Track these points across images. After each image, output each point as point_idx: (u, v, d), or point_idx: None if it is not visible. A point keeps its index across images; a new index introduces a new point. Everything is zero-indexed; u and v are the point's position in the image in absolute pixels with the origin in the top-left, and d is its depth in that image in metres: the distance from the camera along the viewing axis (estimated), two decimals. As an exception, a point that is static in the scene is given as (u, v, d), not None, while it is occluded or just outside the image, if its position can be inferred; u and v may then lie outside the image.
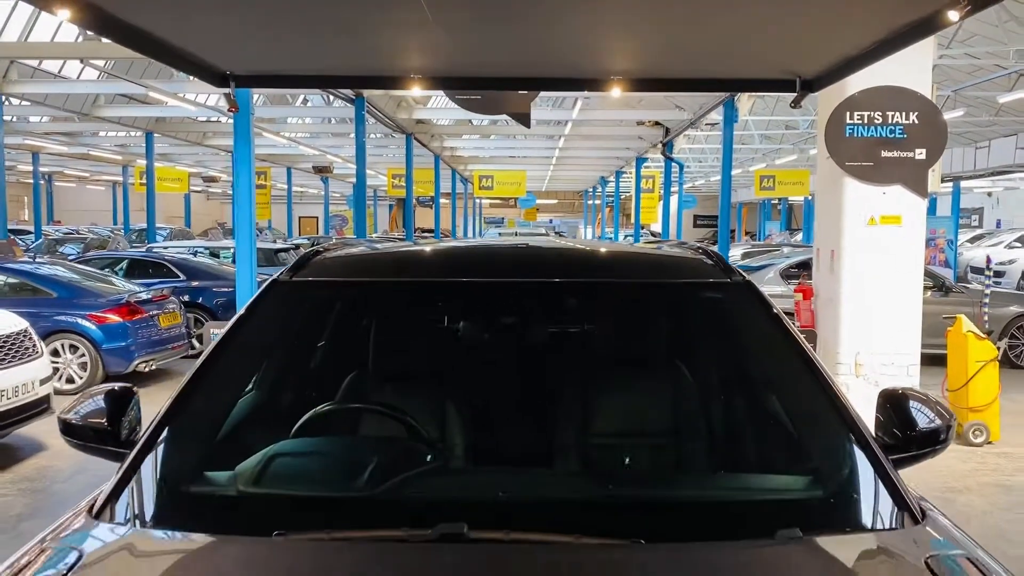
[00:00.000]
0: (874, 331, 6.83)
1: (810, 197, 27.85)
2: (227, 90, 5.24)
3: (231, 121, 19.36)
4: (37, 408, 6.28)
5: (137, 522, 1.68)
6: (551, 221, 46.62)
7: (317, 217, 47.71)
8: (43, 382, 6.36)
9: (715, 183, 28.32)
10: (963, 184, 27.15)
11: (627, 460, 2.02)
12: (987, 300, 8.65)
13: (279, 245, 16.64)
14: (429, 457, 1.96)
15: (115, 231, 29.01)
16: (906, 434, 1.92)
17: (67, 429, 2.01)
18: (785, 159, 26.71)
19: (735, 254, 16.94)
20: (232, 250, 14.91)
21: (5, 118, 14.09)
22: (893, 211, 6.82)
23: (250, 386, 2.25)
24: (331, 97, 16.61)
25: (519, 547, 1.54)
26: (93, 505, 1.72)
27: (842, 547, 1.59)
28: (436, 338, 2.45)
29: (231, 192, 30.80)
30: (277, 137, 20.60)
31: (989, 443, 6.80)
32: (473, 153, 28.23)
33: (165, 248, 15.11)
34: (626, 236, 32.14)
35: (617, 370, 2.35)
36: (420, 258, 2.71)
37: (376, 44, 4.59)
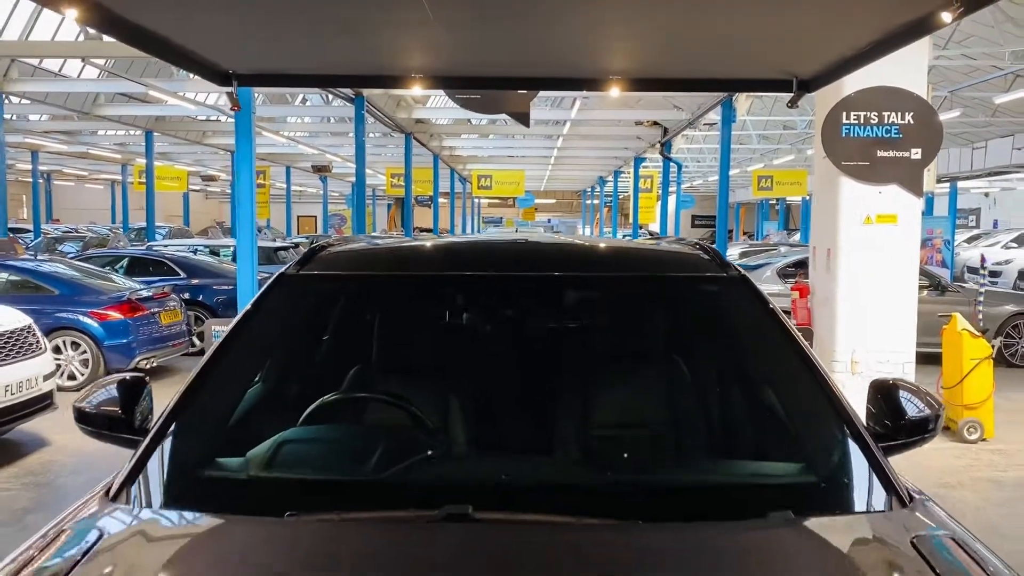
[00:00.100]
0: (870, 329, 6.90)
1: (808, 197, 27.90)
2: (229, 89, 5.31)
3: (231, 120, 19.41)
4: (40, 404, 6.34)
5: (153, 504, 1.74)
6: (549, 221, 46.67)
7: (315, 216, 47.74)
8: (46, 378, 6.41)
9: (713, 183, 28.40)
10: (960, 185, 27.24)
11: (626, 447, 2.08)
12: (981, 299, 8.72)
13: (278, 243, 16.68)
14: (434, 444, 2.02)
15: (114, 230, 29.04)
16: (896, 423, 1.98)
17: (81, 417, 2.07)
18: (783, 159, 26.78)
19: (733, 253, 17.02)
20: (232, 248, 15.00)
21: (5, 117, 14.11)
22: (889, 210, 6.89)
23: (259, 376, 2.31)
24: (330, 96, 16.67)
25: (522, 527, 1.60)
26: (109, 489, 1.78)
27: (832, 528, 1.65)
28: (439, 330, 2.52)
29: (230, 191, 30.85)
30: (276, 136, 20.65)
31: (983, 440, 6.87)
32: (472, 152, 28.29)
33: (165, 246, 15.14)
34: (624, 236, 32.18)
35: (615, 361, 2.42)
36: (423, 252, 2.78)
37: (377, 43, 4.65)
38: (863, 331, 6.90)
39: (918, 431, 1.97)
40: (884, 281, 6.92)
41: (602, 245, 2.96)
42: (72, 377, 8.61)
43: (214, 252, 14.84)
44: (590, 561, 1.49)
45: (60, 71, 15.77)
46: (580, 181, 42.29)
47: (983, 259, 9.16)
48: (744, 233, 43.41)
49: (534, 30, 4.18)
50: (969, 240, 24.93)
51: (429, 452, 1.95)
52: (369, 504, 1.72)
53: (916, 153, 6.79)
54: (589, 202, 45.90)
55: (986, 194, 36.67)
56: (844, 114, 6.77)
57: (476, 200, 43.53)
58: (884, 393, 2.06)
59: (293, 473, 1.90)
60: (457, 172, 30.93)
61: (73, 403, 2.15)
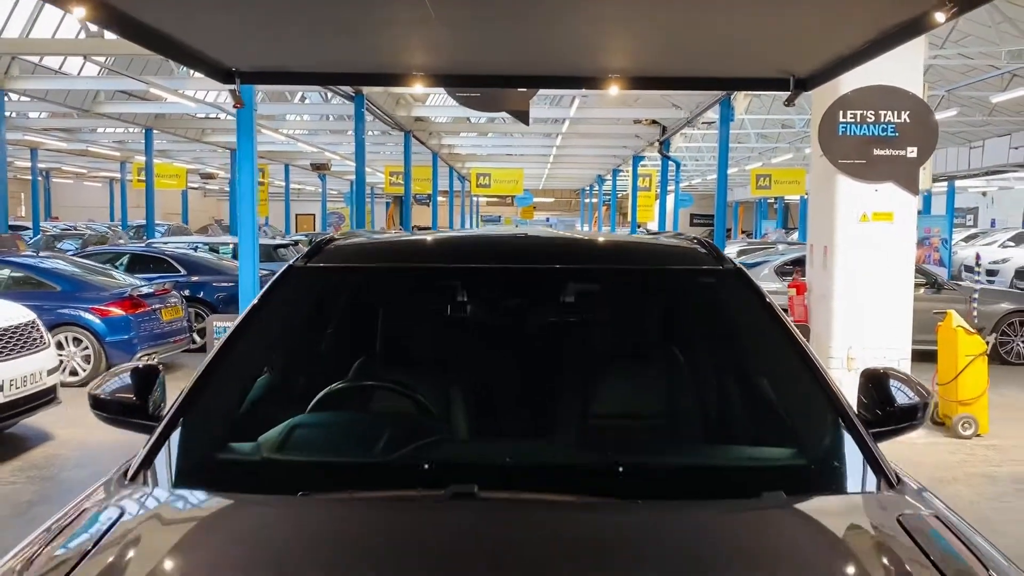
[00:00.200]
0: (866, 326, 6.97)
1: (806, 196, 27.98)
2: (232, 86, 5.36)
3: (230, 118, 19.46)
4: (44, 398, 6.39)
5: (170, 485, 1.81)
6: (548, 219, 46.73)
7: (314, 214, 47.78)
8: (50, 373, 6.47)
9: (712, 182, 28.47)
10: (958, 184, 27.35)
11: (624, 431, 2.14)
12: (976, 296, 8.79)
13: (278, 241, 16.75)
14: (439, 429, 2.09)
15: (112, 227, 29.09)
16: (885, 410, 2.05)
17: (97, 404, 2.13)
18: (781, 158, 26.85)
19: (731, 252, 17.09)
20: (231, 246, 15.05)
21: (5, 114, 14.15)
22: (885, 208, 6.96)
23: (269, 365, 2.37)
24: (329, 94, 16.72)
25: (525, 505, 1.67)
26: (127, 471, 1.84)
27: (822, 507, 1.72)
28: (444, 320, 2.59)
29: (228, 189, 30.90)
30: (276, 134, 20.69)
31: (978, 435, 6.94)
32: (471, 151, 28.35)
33: (165, 243, 15.20)
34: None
35: (614, 351, 2.50)
36: (427, 246, 2.85)
37: (378, 41, 4.71)
38: (859, 328, 6.97)
39: (907, 418, 2.04)
40: (880, 278, 6.99)
41: (601, 239, 3.04)
42: (74, 373, 8.66)
43: (213, 249, 14.89)
44: (591, 536, 1.55)
45: (60, 68, 15.82)
46: (579, 180, 42.35)
47: (978, 257, 9.26)
48: (742, 232, 43.50)
49: (534, 29, 4.23)
50: (966, 239, 25.01)
51: (436, 435, 2.02)
52: (378, 484, 1.79)
53: (912, 151, 6.86)
54: (588, 201, 45.96)
55: (984, 193, 36.77)
56: (841, 113, 6.84)
57: (475, 198, 43.59)
58: (875, 381, 2.13)
59: (304, 456, 1.97)
60: (456, 170, 30.99)
61: (88, 390, 2.21)
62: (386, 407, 2.21)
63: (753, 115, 21.77)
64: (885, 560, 1.51)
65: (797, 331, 2.21)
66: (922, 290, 10.30)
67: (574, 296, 2.48)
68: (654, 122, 19.17)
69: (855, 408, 2.07)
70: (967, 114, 18.64)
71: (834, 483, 1.88)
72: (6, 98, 14.24)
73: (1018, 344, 10.60)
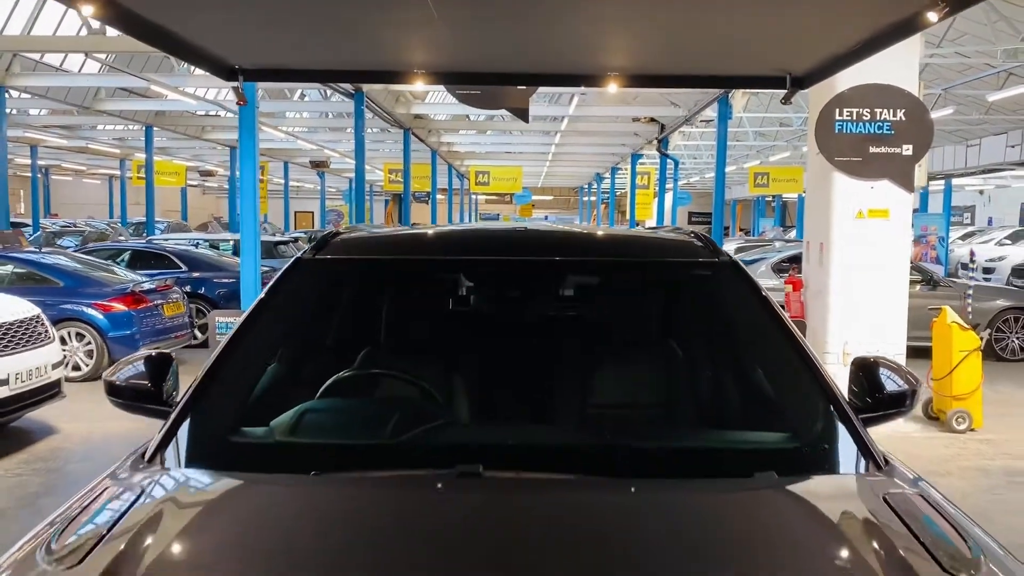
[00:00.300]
0: (861, 322, 7.05)
1: (804, 194, 28.06)
2: (235, 84, 5.43)
3: (230, 115, 19.51)
4: (49, 392, 6.46)
5: (187, 465, 1.88)
6: (546, 217, 46.82)
7: (312, 212, 47.84)
8: (55, 367, 6.54)
9: (710, 180, 28.55)
10: (955, 182, 27.43)
11: (622, 415, 2.22)
12: (970, 292, 8.87)
13: (278, 238, 16.83)
14: (445, 414, 2.17)
15: (112, 224, 29.14)
16: (875, 397, 2.13)
17: (112, 390, 2.20)
18: (779, 156, 26.93)
19: (728, 249, 17.12)
20: (231, 242, 15.13)
21: (5, 111, 14.20)
22: (881, 205, 7.04)
23: (278, 354, 2.45)
24: (329, 92, 16.78)
25: (528, 484, 1.75)
26: (144, 453, 1.92)
27: (812, 485, 1.81)
28: (447, 309, 2.67)
29: (227, 187, 30.92)
30: (275, 132, 20.75)
31: (972, 430, 7.02)
32: (470, 148, 28.41)
33: (166, 240, 15.27)
34: (621, 232, 32.24)
35: (613, 339, 2.58)
36: (431, 238, 2.93)
37: (381, 40, 4.77)
38: (855, 323, 7.05)
39: (896, 404, 2.12)
40: (876, 274, 7.07)
41: (600, 232, 3.12)
42: (77, 368, 8.72)
43: (214, 246, 14.96)
44: (591, 512, 1.63)
45: (61, 66, 15.87)
46: (577, 178, 42.42)
47: (972, 254, 9.32)
48: (740, 230, 43.60)
49: (534, 27, 4.30)
50: (963, 237, 25.13)
51: (442, 419, 2.10)
52: (388, 465, 1.87)
53: (907, 149, 6.93)
54: (586, 199, 46.03)
55: (981, 191, 36.88)
56: (837, 111, 6.91)
57: (474, 196, 43.66)
58: (865, 369, 2.20)
59: (315, 438, 2.05)
60: (455, 168, 31.05)
61: (103, 377, 2.28)
62: (393, 393, 2.29)
63: (751, 113, 21.85)
64: (870, 533, 1.59)
65: (790, 321, 2.29)
66: (918, 287, 10.39)
67: (573, 287, 2.55)
68: (652, 120, 19.25)
69: (846, 395, 2.14)
70: (964, 113, 18.72)
71: (824, 464, 1.96)
72: (7, 95, 14.29)
73: (1013, 340, 10.68)
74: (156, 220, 24.17)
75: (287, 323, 2.50)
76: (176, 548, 1.51)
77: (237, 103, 6.60)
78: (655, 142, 20.22)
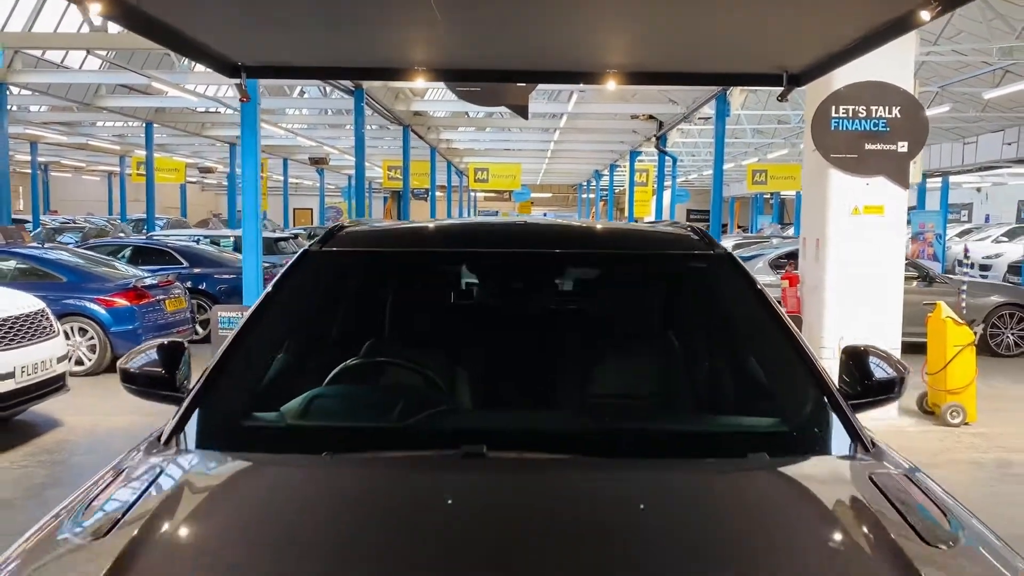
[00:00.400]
0: (857, 317, 7.12)
1: (801, 191, 28.13)
2: (238, 80, 5.49)
3: (229, 112, 19.54)
4: (54, 385, 6.53)
5: (203, 447, 1.96)
6: (545, 215, 46.89)
7: (311, 208, 47.90)
8: (59, 360, 6.60)
9: (708, 177, 28.62)
10: (953, 180, 27.52)
11: (620, 400, 2.30)
12: (965, 288, 8.95)
13: (278, 234, 16.90)
14: (450, 399, 2.25)
15: (111, 221, 29.18)
16: (864, 384, 2.21)
17: (127, 377, 2.27)
18: (777, 153, 27.02)
19: (726, 246, 17.21)
20: (231, 239, 15.21)
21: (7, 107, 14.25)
22: (876, 201, 7.11)
23: (287, 343, 2.52)
24: (328, 88, 16.82)
25: (529, 463, 1.84)
26: (160, 436, 1.99)
27: (801, 465, 1.89)
28: (451, 300, 2.75)
29: (226, 183, 30.96)
30: (275, 128, 20.81)
31: (966, 424, 7.10)
32: (468, 145, 28.47)
33: (166, 236, 15.34)
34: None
35: (611, 329, 2.66)
36: (434, 232, 3.01)
37: (382, 37, 4.84)
38: (850, 318, 7.12)
39: (884, 391, 2.20)
40: (871, 270, 7.15)
41: (599, 226, 3.21)
42: (80, 362, 8.79)
43: (214, 242, 15.04)
44: (589, 489, 1.71)
45: (62, 62, 15.91)
46: (576, 175, 42.49)
47: (966, 250, 9.44)
48: (739, 227, 43.70)
49: (534, 24, 4.37)
50: (960, 234, 25.21)
51: (447, 404, 2.18)
52: (396, 446, 1.95)
53: (903, 146, 7.01)
54: (585, 196, 46.10)
55: (978, 189, 36.99)
56: (833, 108, 6.99)
57: (472, 193, 43.72)
58: (855, 358, 2.28)
59: (325, 422, 2.13)
60: (454, 165, 31.11)
61: (118, 365, 2.35)
62: (399, 381, 2.37)
63: (749, 111, 21.92)
64: (855, 508, 1.67)
65: (784, 312, 2.37)
66: (915, 283, 10.48)
67: (573, 278, 2.63)
68: (651, 117, 19.32)
69: (836, 382, 2.22)
70: (961, 110, 18.80)
71: (814, 447, 2.03)
72: (8, 92, 14.34)
73: (1008, 336, 10.77)
74: (156, 216, 24.22)
75: (295, 313, 2.58)
76: (197, 521, 1.59)
77: (240, 100, 6.67)
78: (654, 139, 20.30)
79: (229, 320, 7.86)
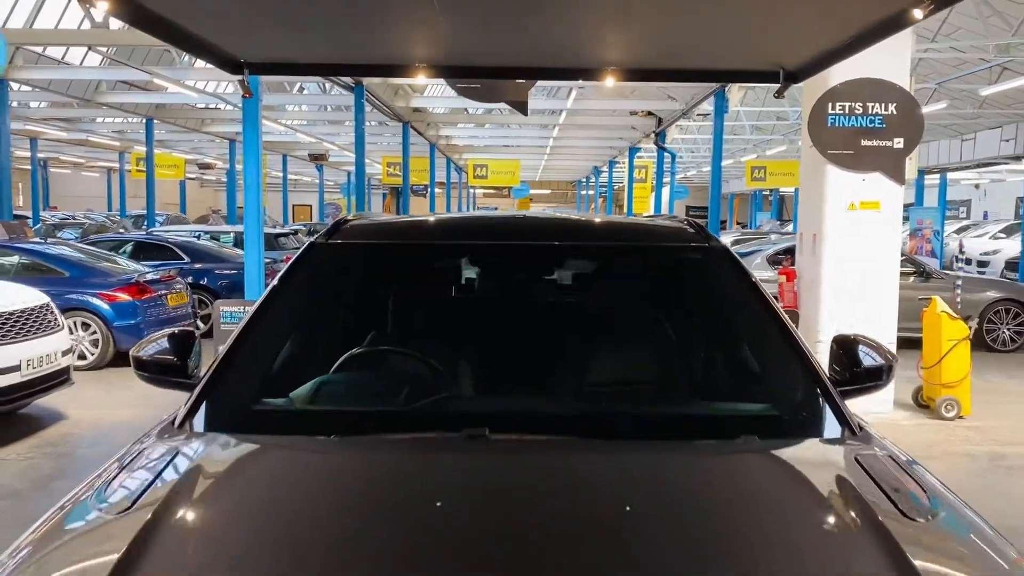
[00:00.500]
0: (853, 311, 7.20)
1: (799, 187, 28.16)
2: (240, 77, 5.56)
3: (230, 108, 19.58)
4: (58, 378, 6.61)
5: (217, 431, 2.03)
6: (543, 211, 46.87)
7: (311, 205, 47.95)
8: (64, 354, 6.68)
9: (707, 174, 28.70)
10: (951, 176, 27.55)
11: (617, 386, 2.38)
12: (959, 284, 9.02)
13: (279, 230, 16.98)
14: (453, 385, 2.33)
15: (110, 217, 29.23)
16: (853, 371, 2.28)
17: (139, 365, 2.34)
18: (776, 150, 27.07)
19: (725, 242, 17.29)
20: (231, 234, 15.29)
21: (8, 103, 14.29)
22: (872, 197, 7.19)
23: (294, 332, 2.60)
24: (328, 85, 16.87)
25: (529, 444, 1.92)
26: (173, 421, 2.07)
27: (789, 446, 1.97)
28: (453, 290, 2.83)
29: (225, 179, 31.01)
30: (275, 124, 20.85)
31: (960, 417, 7.19)
32: (468, 142, 28.52)
33: (166, 231, 15.41)
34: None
35: (609, 318, 2.74)
36: (436, 225, 3.09)
37: (383, 34, 4.91)
38: (846, 313, 7.20)
39: (872, 378, 2.28)
40: (867, 265, 7.22)
41: (598, 220, 3.29)
42: (83, 357, 8.86)
43: (215, 238, 15.11)
44: (586, 468, 1.79)
45: (63, 59, 15.96)
46: (575, 171, 42.54)
47: (961, 245, 9.54)
48: (738, 223, 43.78)
49: (534, 22, 4.43)
50: (958, 231, 25.30)
51: (449, 392, 2.26)
52: (401, 430, 2.03)
53: (898, 142, 7.09)
54: (584, 192, 46.15)
55: (976, 186, 37.07)
56: (830, 104, 7.06)
57: (472, 190, 43.78)
58: (845, 346, 2.36)
59: (333, 406, 2.21)
60: (453, 161, 31.16)
61: (131, 353, 2.42)
62: (403, 368, 2.45)
63: (748, 107, 21.97)
64: (839, 484, 1.75)
65: (775, 302, 2.44)
66: (911, 279, 10.57)
67: (572, 270, 2.71)
68: (650, 114, 19.37)
69: (826, 370, 2.30)
70: (958, 107, 18.87)
71: (803, 430, 2.11)
72: (9, 88, 14.38)
73: (1004, 331, 10.86)
74: (155, 213, 24.28)
75: (302, 304, 2.65)
76: (215, 497, 1.67)
77: (243, 96, 6.73)
78: (652, 136, 20.34)
79: (231, 314, 7.93)
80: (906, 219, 19.31)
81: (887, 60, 6.90)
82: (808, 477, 1.84)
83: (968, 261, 20.94)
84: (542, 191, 54.03)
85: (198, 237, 13.83)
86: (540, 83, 16.01)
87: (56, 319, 6.74)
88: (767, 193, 39.97)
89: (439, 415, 2.11)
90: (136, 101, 18.69)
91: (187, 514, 1.57)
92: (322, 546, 1.45)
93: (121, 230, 21.32)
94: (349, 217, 2.91)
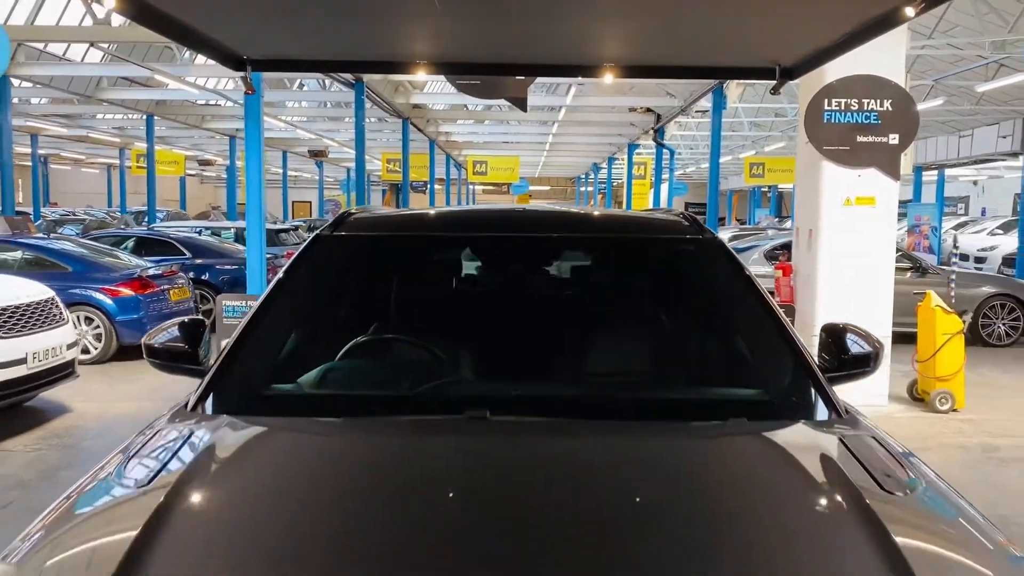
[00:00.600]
0: (848, 305, 7.27)
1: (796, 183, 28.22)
2: (243, 73, 5.63)
3: (230, 104, 19.62)
4: (63, 372, 6.69)
5: (229, 413, 2.11)
6: (543, 205, 46.92)
7: (310, 202, 48.00)
8: (69, 347, 6.76)
9: (706, 170, 28.78)
10: (949, 173, 27.66)
11: (614, 372, 2.46)
12: (953, 278, 9.11)
13: (279, 226, 17.06)
14: (455, 371, 2.42)
15: (111, 213, 29.29)
16: (841, 358, 2.37)
17: (151, 352, 2.42)
18: (774, 146, 27.13)
19: (723, 237, 17.38)
20: (232, 230, 15.37)
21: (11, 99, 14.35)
22: (868, 193, 7.27)
23: (301, 321, 2.68)
24: (328, 81, 16.94)
25: (527, 426, 2.01)
26: (186, 405, 2.15)
27: (778, 428, 2.05)
28: (453, 282, 2.92)
29: (225, 176, 31.05)
30: (275, 121, 20.91)
31: (954, 410, 7.28)
32: (467, 138, 28.58)
33: (167, 227, 15.49)
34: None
35: (606, 306, 2.83)
36: (437, 218, 3.18)
37: (384, 31, 4.98)
38: (842, 307, 7.27)
39: (860, 365, 2.36)
40: (863, 260, 7.30)
41: (595, 213, 3.38)
42: (86, 351, 8.94)
43: (215, 233, 15.19)
44: (583, 446, 1.88)
45: (64, 55, 16.02)
46: (574, 168, 42.61)
47: (955, 240, 9.65)
48: (736, 220, 43.86)
49: (534, 19, 4.51)
50: (956, 227, 25.40)
51: (452, 377, 2.35)
52: (406, 412, 2.11)
53: (894, 138, 7.16)
54: (583, 189, 46.22)
55: (975, 182, 37.16)
56: (826, 101, 7.13)
57: (471, 186, 43.84)
58: (834, 335, 2.45)
59: (340, 390, 2.30)
60: (453, 158, 31.21)
61: (143, 341, 2.50)
62: (407, 355, 2.53)
63: (747, 104, 22.03)
64: (823, 462, 1.83)
65: (766, 292, 2.53)
66: (908, 274, 10.65)
67: (571, 260, 2.79)
68: (649, 110, 19.44)
69: (815, 357, 2.38)
70: (955, 103, 18.94)
71: (791, 413, 2.20)
72: (10, 85, 14.44)
73: (999, 326, 10.94)
74: (156, 209, 24.35)
75: (308, 294, 2.73)
76: (229, 475, 1.75)
77: (245, 92, 6.81)
78: (651, 132, 20.41)
79: (233, 309, 8.01)
80: (904, 215, 19.39)
81: (882, 57, 6.98)
82: (792, 454, 1.93)
83: (964, 257, 21.04)
84: (541, 188, 54.07)
85: (199, 233, 13.91)
86: (539, 80, 16.08)
87: (61, 313, 6.82)
88: (766, 190, 40.03)
89: (442, 399, 2.20)
90: (137, 97, 18.75)
91: (202, 492, 1.64)
92: (329, 524, 1.53)
93: (123, 226, 21.38)
94: (353, 210, 2.99)
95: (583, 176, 45.19)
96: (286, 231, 15.83)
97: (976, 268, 19.48)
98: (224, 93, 17.66)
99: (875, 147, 7.15)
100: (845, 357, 2.36)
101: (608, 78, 5.49)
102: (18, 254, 9.43)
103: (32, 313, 6.44)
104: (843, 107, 7.12)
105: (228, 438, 1.94)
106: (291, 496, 1.65)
